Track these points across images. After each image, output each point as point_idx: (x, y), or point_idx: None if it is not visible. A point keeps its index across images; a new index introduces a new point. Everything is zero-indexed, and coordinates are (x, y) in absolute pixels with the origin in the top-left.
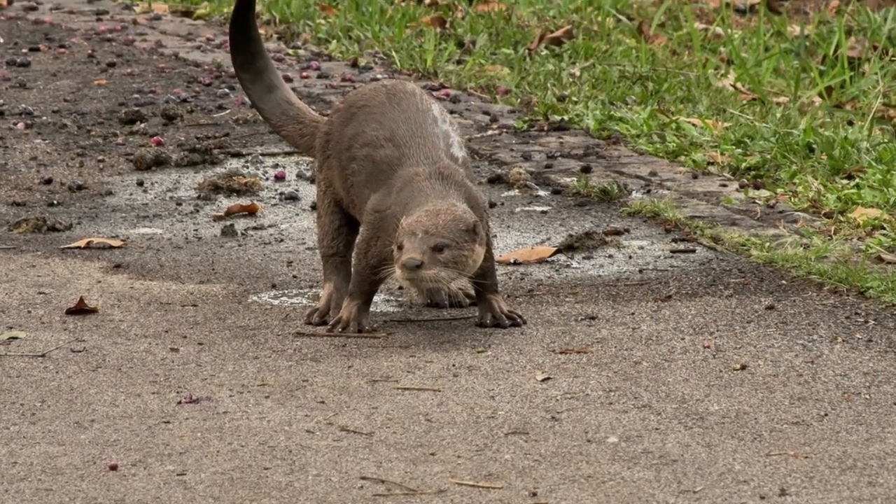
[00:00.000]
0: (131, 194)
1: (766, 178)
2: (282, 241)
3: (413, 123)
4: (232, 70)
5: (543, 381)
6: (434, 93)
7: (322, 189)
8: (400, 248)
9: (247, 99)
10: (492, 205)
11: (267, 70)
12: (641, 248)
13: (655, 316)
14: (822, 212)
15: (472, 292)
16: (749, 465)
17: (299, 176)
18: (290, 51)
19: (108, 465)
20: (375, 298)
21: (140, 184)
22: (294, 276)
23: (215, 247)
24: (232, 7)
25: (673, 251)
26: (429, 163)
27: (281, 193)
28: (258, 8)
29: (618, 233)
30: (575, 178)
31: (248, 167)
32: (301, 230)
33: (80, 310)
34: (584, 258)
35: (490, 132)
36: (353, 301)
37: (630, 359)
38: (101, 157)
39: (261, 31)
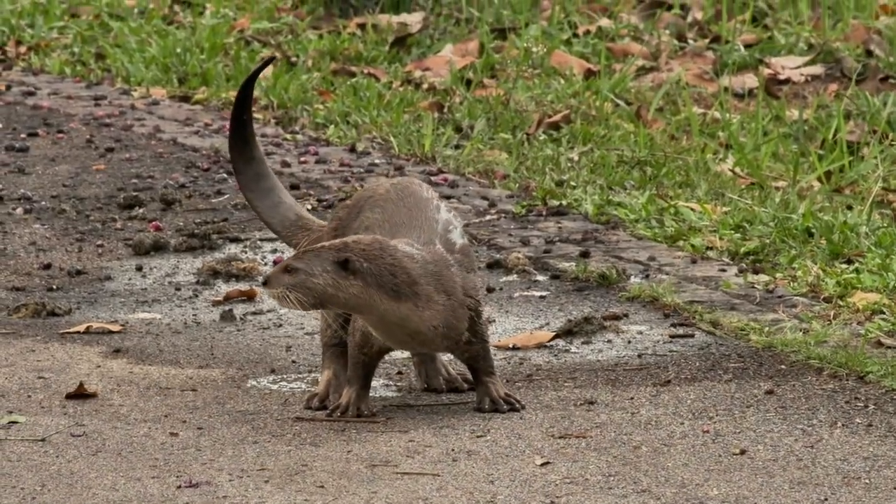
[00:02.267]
0: (130, 279)
1: (765, 263)
2: (280, 325)
3: (413, 210)
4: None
5: (542, 465)
6: (432, 178)
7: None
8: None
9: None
10: (490, 290)
11: (272, 187)
12: (640, 332)
13: (654, 401)
14: (822, 296)
15: (471, 377)
16: None
17: None
18: (288, 136)
19: None
20: (375, 383)
21: (139, 269)
22: (293, 361)
23: (214, 331)
24: (233, 98)
25: (672, 336)
26: (412, 248)
27: None
28: (256, 93)
29: (616, 318)
30: (574, 263)
31: (246, 252)
32: (299, 315)
33: (80, 394)
34: (582, 343)
35: (488, 217)
36: (351, 386)
37: (629, 443)
38: (99, 242)
39: (258, 115)
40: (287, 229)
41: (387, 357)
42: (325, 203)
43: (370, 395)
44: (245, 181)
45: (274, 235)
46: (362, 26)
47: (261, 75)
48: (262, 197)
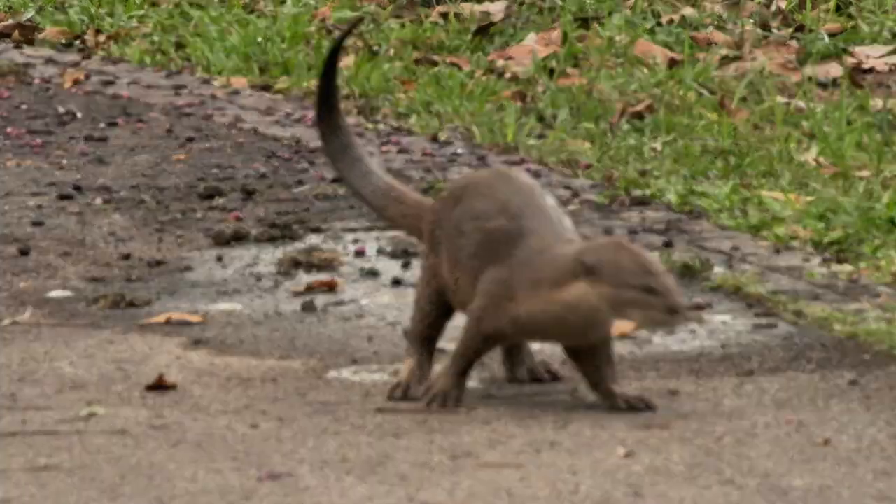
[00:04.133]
0: (210, 269)
1: (848, 253)
2: (362, 316)
3: (524, 195)
4: (311, 144)
5: (626, 456)
6: (515, 167)
7: (427, 277)
8: (649, 290)
9: (339, 180)
10: None
11: (360, 156)
12: (724, 322)
13: (738, 391)
14: None
15: (554, 368)
16: None
17: (380, 251)
18: (370, 125)
19: None
20: None
21: (219, 259)
22: (375, 352)
23: (295, 322)
24: (315, 86)
25: (755, 326)
26: (554, 236)
27: (361, 269)
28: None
29: (700, 307)
30: (657, 253)
31: (327, 242)
32: (381, 305)
33: (160, 386)
34: (666, 334)
35: (571, 207)
36: (453, 377)
37: (712, 434)
38: (179, 233)
39: (340, 105)
40: (379, 199)
41: None
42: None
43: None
44: (333, 150)
45: (356, 226)
46: (444, 15)
47: (342, 64)
48: (351, 166)
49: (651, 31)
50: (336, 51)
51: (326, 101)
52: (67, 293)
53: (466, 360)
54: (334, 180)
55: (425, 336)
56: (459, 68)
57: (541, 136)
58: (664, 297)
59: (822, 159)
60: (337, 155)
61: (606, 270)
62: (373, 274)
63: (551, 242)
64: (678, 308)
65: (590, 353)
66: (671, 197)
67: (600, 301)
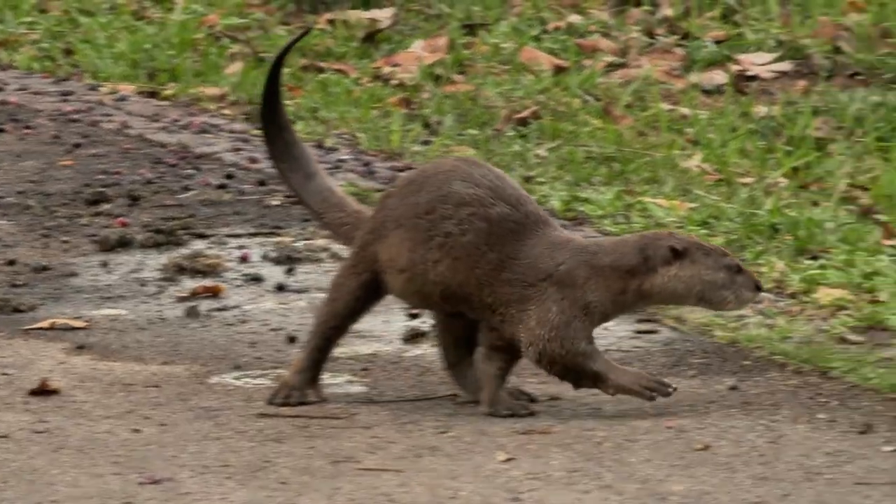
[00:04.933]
0: (95, 275)
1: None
2: (245, 322)
3: (505, 181)
4: (197, 150)
5: (506, 461)
6: (400, 173)
7: (356, 269)
8: (738, 270)
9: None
10: None
11: (304, 158)
12: (605, 328)
13: (618, 396)
14: (787, 292)
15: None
16: None
17: (264, 257)
18: (257, 132)
19: None
20: (339, 379)
21: (104, 265)
22: (257, 358)
23: (179, 328)
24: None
25: (636, 332)
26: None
27: (245, 275)
28: (226, 89)
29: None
30: None
31: (212, 248)
32: (265, 311)
33: (43, 390)
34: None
35: None
36: (601, 366)
37: (592, 439)
38: (65, 238)
39: (227, 111)
40: (320, 205)
41: (351, 352)
42: (294, 198)
43: (335, 391)
44: (276, 152)
45: (240, 232)
46: (332, 22)
47: (229, 71)
48: (293, 169)
49: (537, 38)
50: (284, 53)
51: (271, 102)
52: None
53: (605, 361)
54: (220, 186)
55: (332, 329)
56: (346, 75)
57: (426, 143)
58: (748, 276)
59: (705, 166)
60: (280, 157)
61: (698, 255)
62: (256, 280)
63: (563, 232)
64: (760, 285)
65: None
66: (555, 203)
67: (696, 282)
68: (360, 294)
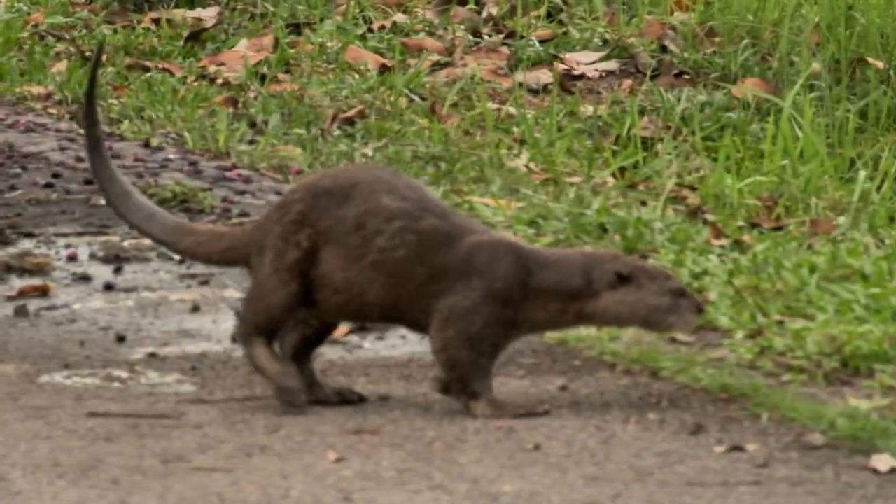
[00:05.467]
0: None
1: None
2: (74, 321)
3: (425, 192)
4: (25, 149)
5: (336, 461)
6: (226, 173)
7: (283, 277)
8: (682, 293)
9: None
10: None
11: (134, 195)
12: None
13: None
14: None
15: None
16: None
17: (92, 256)
18: (83, 131)
19: None
20: (169, 378)
21: None
22: (87, 357)
23: (7, 327)
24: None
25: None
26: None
27: (73, 273)
28: (51, 88)
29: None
30: None
31: (40, 247)
32: (93, 310)
33: None
34: (376, 339)
35: None
36: (484, 395)
37: (422, 439)
38: None
39: (52, 110)
40: (171, 235)
41: (180, 352)
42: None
43: (163, 390)
44: (113, 198)
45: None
46: (157, 21)
47: (54, 70)
48: (134, 211)
49: (362, 38)
50: (92, 85)
51: (97, 146)
52: None
53: (489, 382)
54: (47, 185)
55: (270, 330)
56: (171, 74)
57: (252, 142)
58: (691, 299)
59: (532, 165)
60: (118, 202)
61: (643, 279)
62: (85, 279)
63: (504, 245)
64: (703, 307)
65: None
66: None
67: (641, 309)
68: (292, 303)
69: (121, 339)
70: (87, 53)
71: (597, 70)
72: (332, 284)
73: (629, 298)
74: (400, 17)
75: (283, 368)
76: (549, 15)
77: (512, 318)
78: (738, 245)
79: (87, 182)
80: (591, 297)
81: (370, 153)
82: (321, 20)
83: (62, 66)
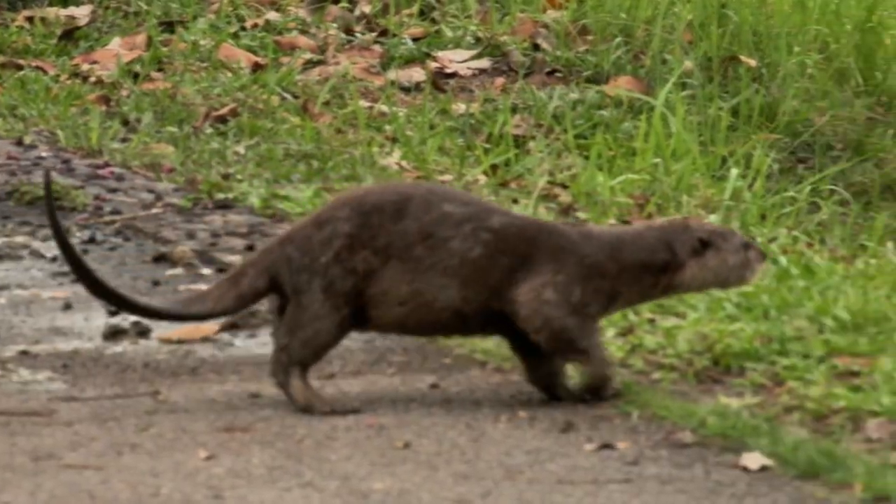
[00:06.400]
0: None
1: None
2: None
3: (478, 197)
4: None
5: (207, 459)
6: (99, 171)
7: (335, 303)
8: (749, 246)
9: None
10: (156, 283)
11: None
12: None
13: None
14: None
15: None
16: None
17: None
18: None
19: None
20: (39, 376)
21: None
22: None
23: None
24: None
25: None
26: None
27: None
28: None
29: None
30: (239, 257)
31: None
32: None
33: None
34: (247, 336)
35: (154, 210)
36: (597, 352)
37: (293, 437)
38: None
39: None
40: (185, 308)
41: (52, 349)
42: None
43: (34, 388)
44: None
45: None
46: (30, 19)
47: None
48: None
49: (235, 36)
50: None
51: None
52: None
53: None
54: None
55: (315, 359)
56: (45, 72)
57: (125, 140)
58: (756, 249)
59: (404, 163)
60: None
61: (719, 241)
62: None
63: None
64: (766, 254)
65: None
66: (254, 200)
67: (723, 270)
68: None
69: None
70: None
71: (469, 68)
72: (395, 299)
73: (712, 263)
74: (273, 16)
75: (327, 398)
76: (421, 13)
77: (608, 290)
78: None
79: None
80: (678, 268)
81: (242, 151)
82: (194, 18)
83: None
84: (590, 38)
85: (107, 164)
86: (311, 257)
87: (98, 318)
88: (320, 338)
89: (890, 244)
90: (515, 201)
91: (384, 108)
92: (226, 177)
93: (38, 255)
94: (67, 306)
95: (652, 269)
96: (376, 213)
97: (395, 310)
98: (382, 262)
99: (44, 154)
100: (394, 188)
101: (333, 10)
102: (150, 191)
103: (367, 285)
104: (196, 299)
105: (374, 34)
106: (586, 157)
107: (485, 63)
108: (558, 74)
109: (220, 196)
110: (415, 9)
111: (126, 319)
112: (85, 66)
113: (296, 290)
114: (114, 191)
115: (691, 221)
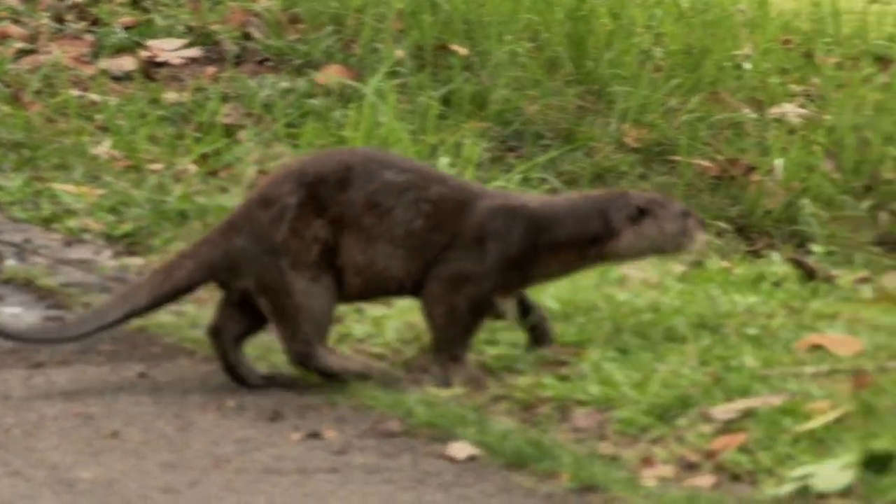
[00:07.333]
0: None
1: (140, 245)
2: None
3: (417, 162)
4: None
5: None
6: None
7: (312, 273)
8: (687, 214)
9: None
10: None
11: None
12: (15, 315)
13: (27, 383)
14: None
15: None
16: None
17: None
18: None
19: None
20: None
21: None
22: None
23: None
24: None
25: (46, 318)
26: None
27: None
28: None
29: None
30: None
31: None
32: None
33: None
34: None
35: None
36: (464, 362)
37: (1, 426)
38: None
39: None
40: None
41: None
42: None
43: None
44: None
45: None
46: None
47: None
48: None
49: None
50: None
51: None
52: None
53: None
54: None
55: (327, 331)
56: None
57: None
58: (695, 216)
59: (115, 152)
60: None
61: (657, 208)
62: None
63: (510, 199)
64: (704, 221)
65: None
66: None
67: (660, 238)
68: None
69: None
70: None
71: (180, 57)
72: (354, 267)
73: (649, 231)
74: None
75: (360, 359)
76: (133, 2)
77: (521, 277)
78: None
79: None
80: (612, 238)
81: None
82: None
83: None
84: (301, 26)
85: None
86: (265, 240)
87: None
88: (317, 309)
89: None
90: (224, 190)
91: (95, 97)
92: None
93: None
94: None
95: (581, 242)
96: (321, 184)
97: (355, 279)
98: (338, 232)
99: None
100: (331, 157)
101: None
102: None
103: (334, 256)
104: (131, 293)
105: (85, 23)
106: (296, 146)
107: (196, 52)
108: (269, 63)
109: None
110: None
111: None
112: None
113: (263, 280)
114: None
115: (629, 192)
